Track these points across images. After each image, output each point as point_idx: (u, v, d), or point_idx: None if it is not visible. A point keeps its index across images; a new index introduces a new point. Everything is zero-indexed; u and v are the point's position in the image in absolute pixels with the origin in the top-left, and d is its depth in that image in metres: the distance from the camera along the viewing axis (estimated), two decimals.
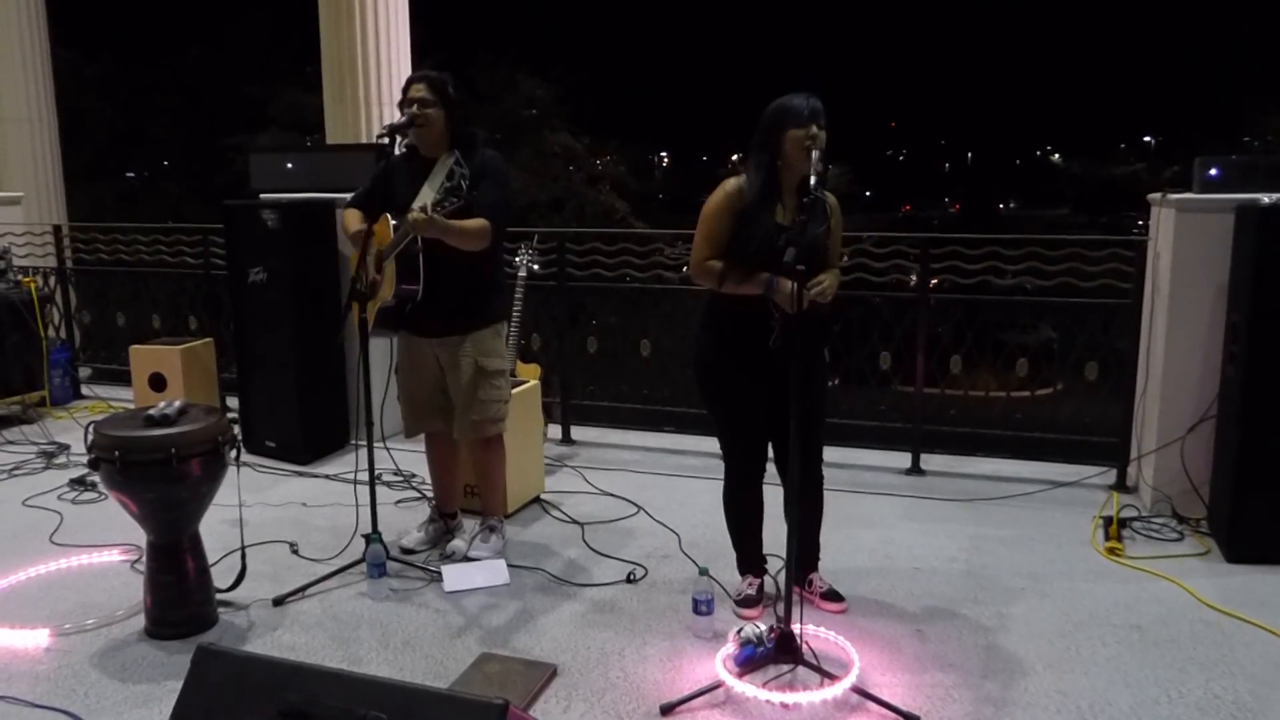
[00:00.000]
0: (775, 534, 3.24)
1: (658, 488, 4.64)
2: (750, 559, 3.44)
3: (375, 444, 3.60)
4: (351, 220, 3.66)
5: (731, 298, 3.09)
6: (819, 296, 2.97)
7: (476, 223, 3.42)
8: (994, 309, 4.99)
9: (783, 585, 2.96)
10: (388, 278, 3.55)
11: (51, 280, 6.74)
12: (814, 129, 2.97)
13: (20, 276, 6.11)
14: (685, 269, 3.22)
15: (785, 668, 2.89)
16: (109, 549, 3.90)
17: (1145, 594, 3.51)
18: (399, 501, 4.46)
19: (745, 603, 3.35)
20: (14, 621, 3.31)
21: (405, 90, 3.59)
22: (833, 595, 3.40)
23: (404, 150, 3.52)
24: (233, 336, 5.43)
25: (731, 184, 3.14)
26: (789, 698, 2.78)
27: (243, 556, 3.50)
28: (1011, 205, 46.90)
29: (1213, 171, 4.02)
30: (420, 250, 3.46)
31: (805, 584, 3.43)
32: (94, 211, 17.38)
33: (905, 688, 2.88)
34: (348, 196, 3.84)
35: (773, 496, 3.30)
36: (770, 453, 3.32)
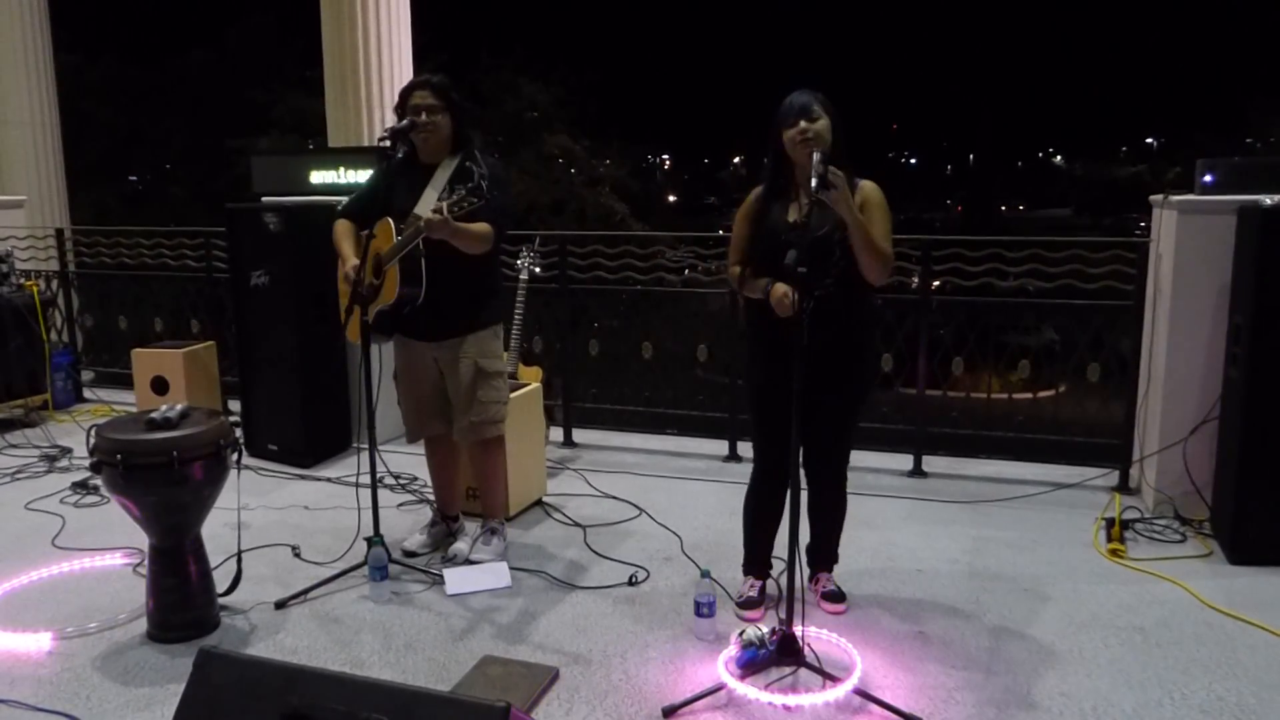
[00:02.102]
0: (781, 535, 3.23)
1: (660, 490, 4.64)
2: (756, 560, 3.44)
3: (377, 447, 3.60)
4: (343, 236, 3.64)
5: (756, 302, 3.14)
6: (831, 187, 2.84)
7: (481, 226, 3.42)
8: (996, 311, 4.99)
9: (784, 587, 2.95)
10: (389, 280, 3.53)
11: (54, 284, 6.76)
12: (802, 124, 2.99)
13: (22, 280, 6.12)
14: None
15: (787, 670, 2.89)
16: (111, 552, 3.90)
17: (1148, 595, 3.50)
18: (401, 504, 4.46)
19: (746, 605, 3.35)
20: (16, 625, 3.32)
21: (405, 98, 3.54)
22: (834, 596, 3.40)
23: (403, 155, 3.50)
24: (235, 340, 5.44)
25: (755, 191, 3.23)
26: (791, 700, 2.78)
27: (239, 560, 3.50)
28: (1014, 207, 46.88)
29: (1207, 178, 4.03)
30: (423, 254, 3.45)
31: (813, 580, 3.43)
32: (97, 215, 17.43)
33: (907, 689, 2.88)
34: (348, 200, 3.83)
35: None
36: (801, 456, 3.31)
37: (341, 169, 5.30)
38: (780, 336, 3.09)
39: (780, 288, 2.96)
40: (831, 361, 3.05)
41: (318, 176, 5.31)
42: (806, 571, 3.43)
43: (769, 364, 3.20)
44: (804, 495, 3.22)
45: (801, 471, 3.30)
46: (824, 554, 3.46)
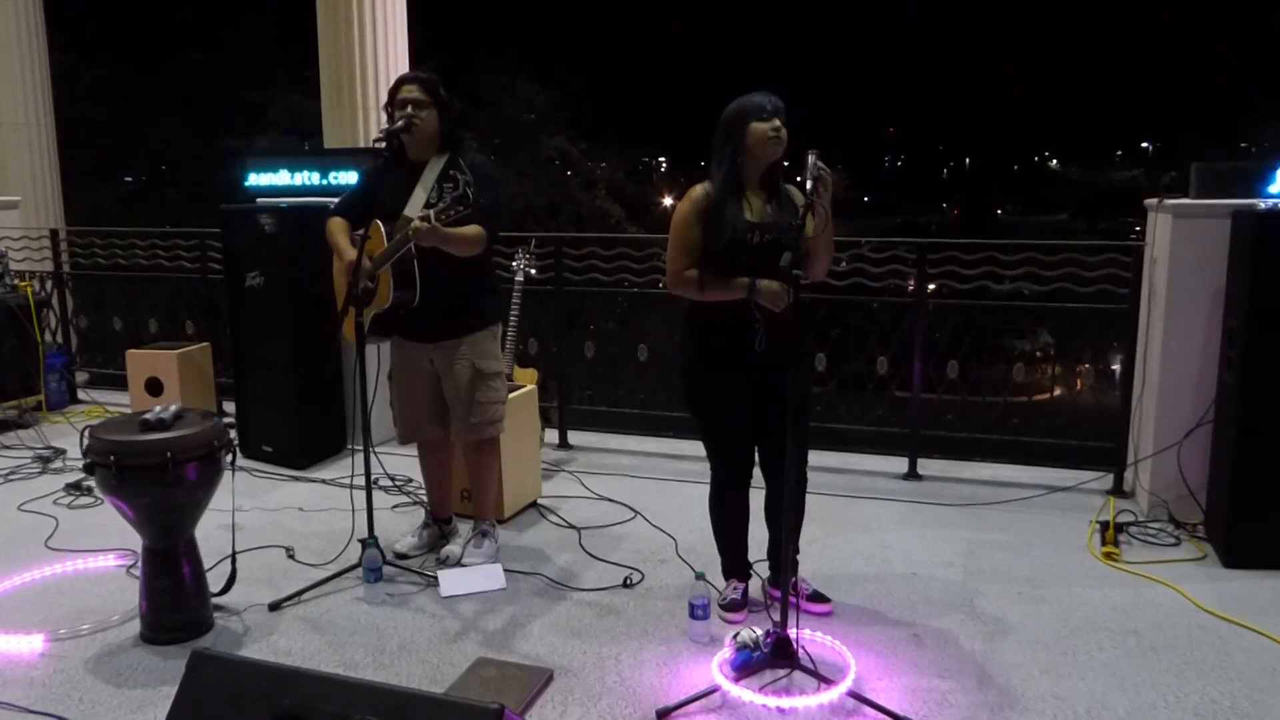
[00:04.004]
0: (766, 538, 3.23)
1: (654, 492, 4.64)
2: (734, 563, 3.44)
3: (371, 449, 3.60)
4: (338, 231, 3.64)
5: (712, 303, 3.10)
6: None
7: (473, 230, 3.41)
8: (991, 314, 4.99)
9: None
10: (383, 284, 3.52)
11: (48, 284, 6.73)
12: (776, 122, 3.02)
13: (17, 281, 6.10)
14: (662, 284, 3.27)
15: (781, 672, 2.89)
16: (105, 554, 3.89)
17: (1142, 599, 3.50)
18: (395, 506, 4.45)
19: (730, 607, 3.35)
20: (9, 627, 3.30)
21: (394, 92, 3.54)
22: (817, 597, 3.39)
23: (391, 153, 3.49)
24: (229, 341, 5.43)
25: (698, 190, 3.15)
26: (785, 702, 2.78)
27: (233, 561, 3.49)
28: (1010, 209, 47.00)
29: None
30: (415, 256, 3.44)
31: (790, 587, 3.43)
32: (92, 215, 17.41)
33: (902, 692, 2.88)
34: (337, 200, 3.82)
35: (756, 500, 3.32)
36: (756, 456, 3.32)
37: (336, 171, 5.30)
38: (735, 344, 3.09)
39: (775, 283, 2.95)
40: (783, 364, 3.05)
41: (314, 178, 5.31)
42: (769, 575, 3.42)
43: (722, 372, 3.18)
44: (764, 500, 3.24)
45: (759, 472, 3.31)
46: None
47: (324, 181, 5.28)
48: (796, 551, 3.46)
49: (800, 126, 3.09)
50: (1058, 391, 5.34)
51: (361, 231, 3.44)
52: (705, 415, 3.31)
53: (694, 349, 3.23)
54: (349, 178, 5.25)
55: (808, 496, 3.38)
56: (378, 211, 3.50)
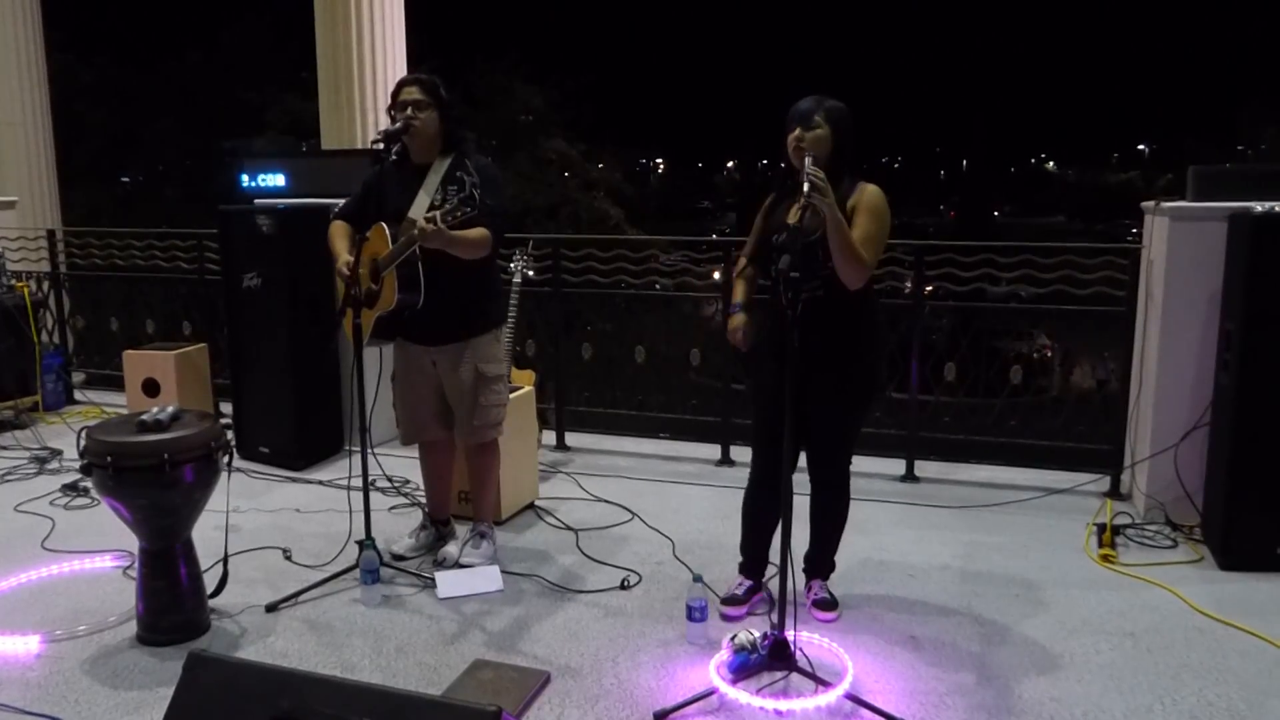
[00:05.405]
0: (795, 540, 3.21)
1: (652, 494, 4.64)
2: (749, 561, 3.45)
3: (369, 450, 3.60)
4: (337, 236, 3.64)
5: (759, 299, 3.21)
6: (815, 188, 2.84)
7: (478, 232, 3.41)
8: (988, 316, 4.99)
9: (776, 592, 2.96)
10: (387, 286, 3.52)
11: (45, 285, 6.73)
12: (798, 131, 3.04)
13: (14, 281, 6.10)
14: None
15: (779, 675, 2.89)
16: (101, 555, 3.88)
17: (1139, 601, 3.51)
18: (392, 508, 4.45)
19: (729, 600, 3.36)
20: (5, 628, 3.30)
21: (396, 94, 3.55)
22: (826, 604, 3.39)
23: (395, 156, 3.50)
24: (227, 342, 5.42)
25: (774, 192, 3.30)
26: (783, 705, 2.78)
27: (225, 563, 3.49)
28: (1007, 211, 47.07)
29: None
30: (420, 258, 3.44)
31: (806, 586, 3.43)
32: (89, 215, 17.38)
33: (899, 695, 2.88)
34: (341, 203, 3.82)
35: (799, 503, 3.31)
36: (802, 460, 3.32)
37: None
38: (774, 338, 3.12)
39: (734, 320, 3.12)
40: (828, 367, 3.06)
41: (312, 178, 5.31)
42: (802, 578, 3.42)
43: (765, 365, 3.23)
44: (807, 501, 3.24)
45: (805, 476, 3.31)
46: (818, 562, 3.46)
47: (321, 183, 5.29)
48: (828, 556, 3.48)
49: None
50: (1054, 393, 5.34)
51: (361, 236, 3.44)
52: (751, 408, 3.39)
53: (754, 341, 3.35)
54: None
55: (806, 499, 3.39)
56: (382, 214, 3.51)
